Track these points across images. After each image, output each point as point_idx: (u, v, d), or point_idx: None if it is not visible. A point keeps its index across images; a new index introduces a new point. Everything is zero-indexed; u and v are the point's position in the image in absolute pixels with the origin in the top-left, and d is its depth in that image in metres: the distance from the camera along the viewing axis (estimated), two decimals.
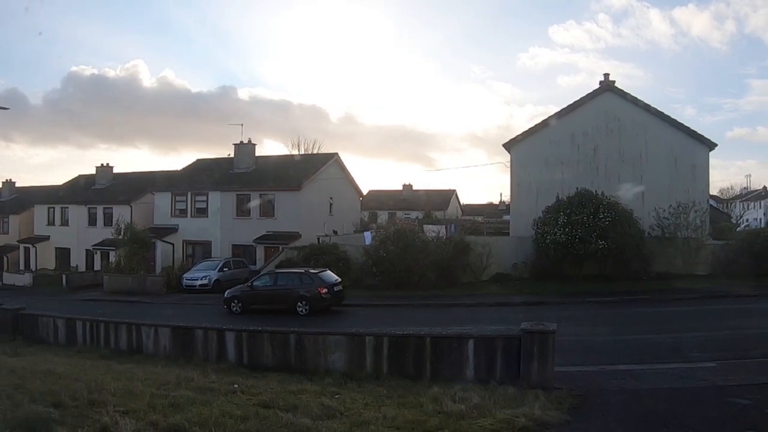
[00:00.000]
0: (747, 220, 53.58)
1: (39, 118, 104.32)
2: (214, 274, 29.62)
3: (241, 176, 36.28)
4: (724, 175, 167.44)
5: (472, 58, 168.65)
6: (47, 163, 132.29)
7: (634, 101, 26.44)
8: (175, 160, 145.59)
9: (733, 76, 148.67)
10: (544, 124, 27.51)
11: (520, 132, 28.16)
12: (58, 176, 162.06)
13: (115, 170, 44.89)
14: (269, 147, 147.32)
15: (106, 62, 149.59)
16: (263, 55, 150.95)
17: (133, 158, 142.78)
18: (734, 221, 41.83)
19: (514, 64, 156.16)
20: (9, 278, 39.29)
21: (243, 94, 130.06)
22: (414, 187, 63.25)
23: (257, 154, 38.19)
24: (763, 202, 79.56)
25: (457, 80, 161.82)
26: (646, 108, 26.32)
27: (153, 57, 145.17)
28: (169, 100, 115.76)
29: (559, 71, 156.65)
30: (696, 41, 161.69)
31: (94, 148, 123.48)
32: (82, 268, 39.89)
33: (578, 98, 27.36)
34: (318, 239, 29.38)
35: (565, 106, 27.67)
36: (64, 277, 36.51)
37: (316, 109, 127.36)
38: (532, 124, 28.95)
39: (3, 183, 51.28)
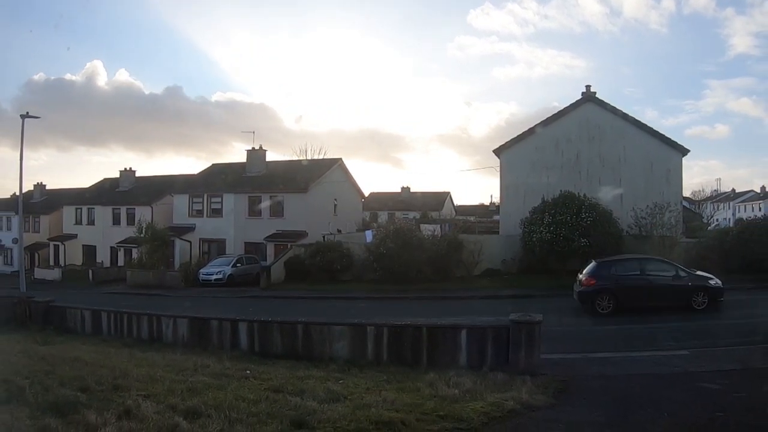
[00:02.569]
0: (717, 220, 53.53)
1: (12, 122, 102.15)
2: (228, 270, 29.69)
3: (253, 179, 36.30)
4: (688, 175, 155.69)
5: (405, 54, 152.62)
6: (42, 166, 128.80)
7: (613, 111, 26.59)
8: (161, 163, 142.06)
9: (691, 74, 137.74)
10: (531, 131, 27.56)
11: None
12: (57, 178, 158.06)
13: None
14: (239, 149, 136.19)
15: (63, 67, 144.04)
16: (223, 58, 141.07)
17: (120, 161, 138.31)
18: (705, 221, 41.79)
19: (444, 56, 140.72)
20: (40, 273, 39.39)
21: (217, 96, 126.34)
22: (411, 190, 63.26)
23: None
24: (731, 203, 79.71)
25: (401, 79, 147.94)
26: (624, 117, 26.52)
27: (108, 59, 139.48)
28: (128, 102, 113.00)
29: (493, 62, 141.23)
30: (632, 23, 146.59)
31: (74, 150, 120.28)
32: (107, 263, 39.96)
33: (562, 108, 27.58)
34: (323, 237, 29.39)
35: (549, 115, 27.83)
36: (90, 272, 36.59)
37: (281, 111, 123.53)
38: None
39: (34, 186, 51.39)
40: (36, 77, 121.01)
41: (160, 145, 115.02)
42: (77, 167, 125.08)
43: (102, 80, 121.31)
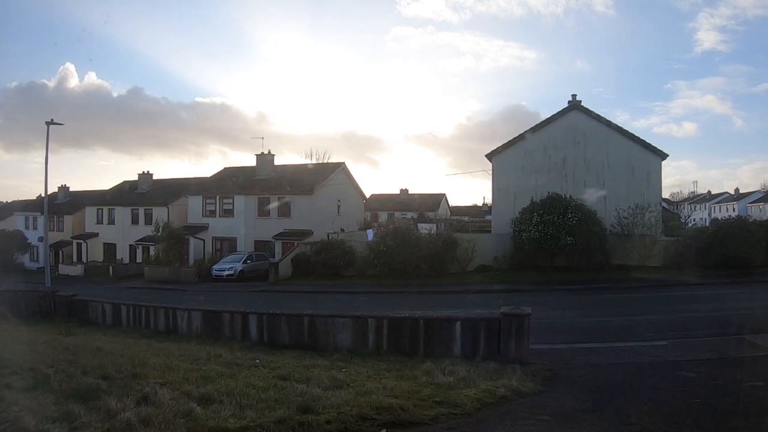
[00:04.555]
0: (694, 220, 53.60)
1: None
2: (239, 266, 29.69)
3: (262, 182, 36.29)
4: (662, 175, 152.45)
5: (356, 51, 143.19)
6: (39, 169, 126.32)
7: (598, 118, 26.74)
8: (150, 165, 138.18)
9: (658, 72, 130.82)
10: (521, 137, 27.64)
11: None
12: (55, 180, 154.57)
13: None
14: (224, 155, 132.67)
15: (37, 70, 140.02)
16: (191, 63, 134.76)
17: (116, 165, 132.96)
18: (683, 221, 41.73)
19: (383, 49, 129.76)
20: (64, 269, 39.42)
21: (185, 99, 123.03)
22: (409, 192, 63.24)
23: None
24: (707, 204, 79.75)
25: (360, 79, 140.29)
26: (608, 124, 26.67)
27: (78, 61, 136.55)
28: (103, 105, 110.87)
29: (438, 55, 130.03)
30: (573, 3, 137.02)
31: (63, 153, 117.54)
32: (126, 260, 39.96)
33: (550, 115, 27.68)
34: (328, 236, 29.40)
35: (538, 122, 28.09)
36: (110, 268, 36.59)
37: (262, 113, 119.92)
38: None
39: (58, 188, 51.50)
40: (11, 85, 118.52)
41: (147, 149, 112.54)
42: (74, 169, 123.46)
43: (74, 82, 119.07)
